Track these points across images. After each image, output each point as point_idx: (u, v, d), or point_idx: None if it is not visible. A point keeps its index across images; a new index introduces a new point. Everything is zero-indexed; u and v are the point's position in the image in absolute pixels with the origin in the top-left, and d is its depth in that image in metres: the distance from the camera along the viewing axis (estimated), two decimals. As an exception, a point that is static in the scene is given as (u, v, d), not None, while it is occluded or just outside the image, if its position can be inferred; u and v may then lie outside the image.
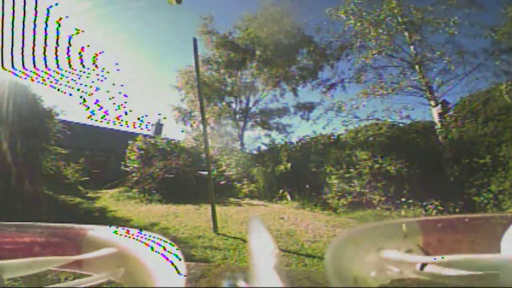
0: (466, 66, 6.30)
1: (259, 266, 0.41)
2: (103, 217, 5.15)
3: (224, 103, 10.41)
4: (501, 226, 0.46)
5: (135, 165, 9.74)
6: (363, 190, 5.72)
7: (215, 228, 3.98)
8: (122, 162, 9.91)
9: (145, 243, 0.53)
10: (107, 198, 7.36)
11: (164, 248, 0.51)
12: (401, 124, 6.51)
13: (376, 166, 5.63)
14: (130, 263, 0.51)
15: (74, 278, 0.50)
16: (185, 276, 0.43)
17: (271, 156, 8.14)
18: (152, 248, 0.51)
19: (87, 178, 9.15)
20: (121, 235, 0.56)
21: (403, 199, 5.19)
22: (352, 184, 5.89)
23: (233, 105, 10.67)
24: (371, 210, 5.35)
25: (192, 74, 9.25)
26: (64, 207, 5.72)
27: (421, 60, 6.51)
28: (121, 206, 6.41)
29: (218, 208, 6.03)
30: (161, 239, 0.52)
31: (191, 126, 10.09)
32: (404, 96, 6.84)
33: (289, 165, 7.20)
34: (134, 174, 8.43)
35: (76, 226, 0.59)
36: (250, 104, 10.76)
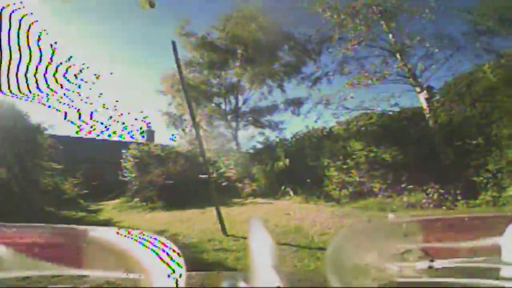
0: (446, 50, 6.46)
1: (259, 266, 0.41)
2: None
3: (213, 105, 10.29)
4: (501, 226, 0.45)
5: (133, 174, 9.54)
6: (362, 180, 5.84)
7: (223, 230, 3.96)
8: (119, 172, 9.68)
9: (145, 244, 0.51)
10: (110, 210, 7.21)
11: (165, 249, 0.50)
12: (390, 113, 6.65)
13: (372, 155, 5.78)
14: (130, 264, 0.50)
15: (74, 278, 0.49)
16: (185, 277, 0.43)
17: (268, 154, 8.16)
18: (152, 248, 0.50)
19: (86, 191, 8.86)
20: (121, 235, 0.53)
21: (403, 186, 5.32)
22: (351, 175, 5.97)
23: (223, 106, 10.56)
24: (373, 199, 5.49)
25: (177, 77, 9.09)
26: (68, 223, 5.50)
27: (401, 47, 6.63)
28: (124, 216, 6.29)
29: (223, 210, 6.00)
30: (161, 240, 0.51)
31: (183, 130, 9.93)
32: (390, 84, 6.95)
33: (287, 160, 7.24)
34: (133, 183, 8.25)
35: (77, 226, 0.55)
36: (240, 104, 10.73)
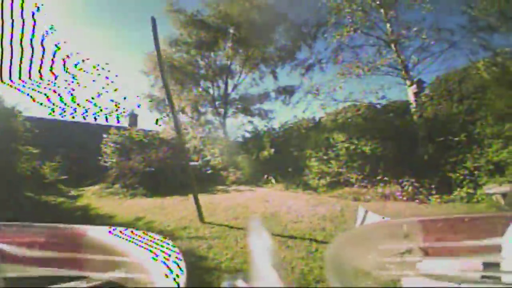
0: (443, 44, 6.49)
1: (259, 266, 0.42)
2: (85, 215, 5.14)
3: (200, 89, 10.09)
4: (501, 226, 0.46)
5: (113, 160, 9.48)
6: (340, 170, 6.09)
7: (200, 217, 4.10)
8: (100, 157, 9.59)
9: (145, 243, 0.54)
10: (90, 196, 7.26)
11: (164, 249, 0.52)
12: (378, 105, 6.77)
13: (352, 147, 6.00)
14: (130, 263, 0.52)
15: (74, 279, 0.51)
16: (185, 276, 0.44)
17: (255, 143, 8.28)
18: (152, 248, 0.52)
19: (66, 176, 8.77)
20: (121, 235, 0.56)
21: (379, 177, 5.55)
22: (330, 165, 6.19)
23: (211, 91, 10.37)
24: (349, 188, 5.80)
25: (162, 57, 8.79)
26: (47, 208, 5.64)
27: (397, 38, 6.62)
28: (104, 202, 6.37)
29: (205, 197, 6.20)
30: (161, 240, 0.53)
31: (167, 115, 9.77)
32: (381, 76, 6.98)
33: (272, 150, 7.39)
34: (114, 170, 8.23)
35: (76, 226, 0.59)
36: (229, 89, 10.55)
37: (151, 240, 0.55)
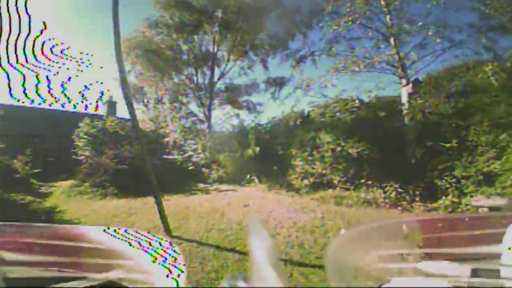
0: (444, 42, 6.11)
1: (259, 266, 0.42)
2: (50, 220, 4.71)
3: (182, 77, 9.45)
4: (501, 226, 0.47)
5: (86, 153, 8.93)
6: (324, 172, 5.99)
7: (167, 230, 3.80)
8: (73, 150, 9.01)
9: (145, 243, 0.54)
10: (59, 195, 6.78)
11: (164, 248, 0.53)
12: (367, 103, 6.53)
13: (338, 148, 5.86)
14: (130, 263, 0.53)
15: (73, 279, 0.51)
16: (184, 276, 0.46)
17: (240, 139, 7.94)
18: (152, 248, 0.53)
19: (39, 170, 8.16)
20: (121, 235, 0.57)
21: (362, 181, 5.44)
22: (314, 166, 6.05)
23: (195, 79, 9.75)
24: (332, 190, 5.74)
25: (137, 40, 8.01)
26: (13, 208, 5.22)
27: (397, 32, 6.26)
28: (72, 203, 6.03)
29: (182, 199, 5.93)
30: (162, 239, 0.54)
31: (145, 105, 9.17)
32: (377, 73, 6.67)
33: (257, 149, 7.12)
34: (84, 165, 7.72)
35: (76, 226, 0.88)
36: (215, 78, 9.97)
37: (151, 240, 0.56)
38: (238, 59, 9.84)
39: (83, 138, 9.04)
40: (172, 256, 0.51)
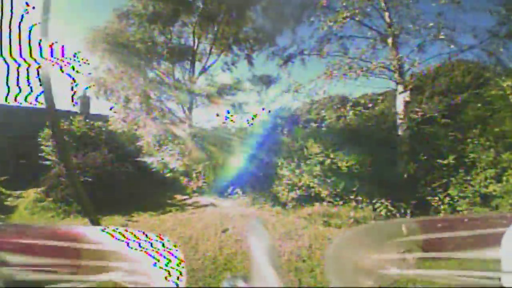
0: (453, 45, 5.53)
1: (259, 266, 0.44)
2: None
3: (158, 72, 8.59)
4: (501, 226, 0.48)
5: (54, 159, 8.04)
6: (312, 184, 5.68)
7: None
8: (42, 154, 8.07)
9: (145, 243, 0.55)
10: (22, 210, 5.99)
11: (164, 248, 0.54)
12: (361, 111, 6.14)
13: (327, 162, 5.53)
14: (130, 263, 0.53)
15: (73, 279, 0.52)
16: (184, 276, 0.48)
17: (223, 144, 7.35)
18: (152, 248, 0.53)
19: (6, 177, 7.23)
20: (121, 235, 0.57)
21: (352, 196, 5.16)
22: (302, 178, 5.73)
23: (172, 74, 8.90)
24: (319, 205, 5.42)
25: (105, 32, 7.07)
26: None
27: (398, 32, 5.73)
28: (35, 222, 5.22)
29: (149, 220, 5.30)
30: (162, 239, 0.55)
31: (115, 103, 8.28)
32: (372, 78, 6.17)
33: (242, 156, 6.57)
34: (48, 174, 6.88)
35: (76, 226, 0.96)
36: (196, 73, 9.15)
37: (151, 240, 0.56)
38: (221, 53, 9.07)
39: (48, 143, 8.12)
40: (172, 257, 0.52)
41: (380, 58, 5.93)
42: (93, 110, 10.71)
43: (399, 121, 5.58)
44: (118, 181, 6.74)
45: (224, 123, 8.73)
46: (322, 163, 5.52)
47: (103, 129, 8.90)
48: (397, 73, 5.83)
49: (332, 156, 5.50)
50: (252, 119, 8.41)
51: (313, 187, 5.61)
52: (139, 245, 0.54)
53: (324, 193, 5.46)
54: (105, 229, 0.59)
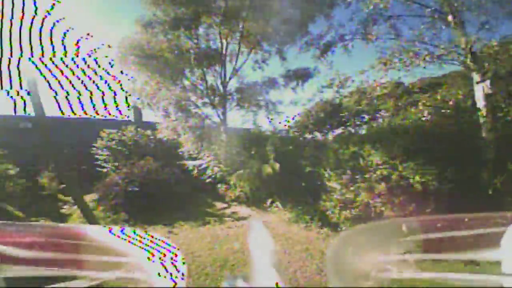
0: None
1: (259, 266, 0.45)
2: None
3: (188, 81, 8.40)
4: (501, 226, 0.49)
5: (109, 166, 8.76)
6: (372, 202, 4.51)
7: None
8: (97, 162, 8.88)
9: (145, 243, 0.55)
10: (76, 218, 6.58)
11: (164, 248, 0.54)
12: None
13: (394, 176, 4.21)
14: (129, 263, 0.54)
15: (73, 278, 0.51)
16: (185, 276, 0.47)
17: (258, 150, 6.86)
18: (152, 248, 0.54)
19: (64, 185, 8.18)
20: (121, 234, 0.57)
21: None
22: (359, 194, 4.65)
23: (204, 80, 8.60)
24: None
25: (133, 45, 7.00)
26: None
27: (460, 7, 4.27)
28: None
29: (191, 233, 5.12)
30: (162, 240, 0.56)
31: (154, 113, 8.44)
32: (438, 65, 4.76)
33: (277, 166, 5.97)
34: (102, 183, 7.44)
35: (76, 226, 0.87)
36: (228, 76, 8.71)
37: (151, 240, 0.56)
38: (250, 52, 8.40)
39: (103, 152, 8.83)
40: (172, 256, 0.51)
41: (443, 40, 4.53)
42: (145, 118, 11.29)
43: (481, 120, 4.24)
44: (163, 189, 6.91)
45: (259, 126, 8.24)
46: (386, 177, 4.27)
47: (152, 137, 9.34)
48: (468, 57, 4.33)
49: (400, 169, 4.17)
50: (289, 120, 7.72)
51: (374, 206, 4.45)
52: (139, 245, 0.54)
53: (388, 214, 4.28)
54: (105, 228, 0.60)
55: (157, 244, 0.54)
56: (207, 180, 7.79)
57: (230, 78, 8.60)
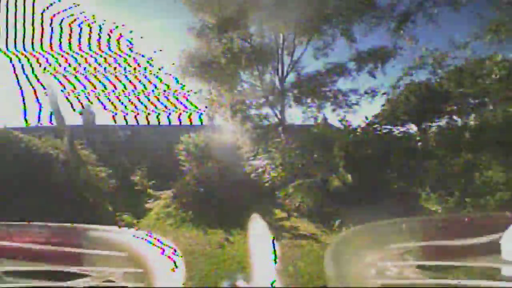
0: None
1: (259, 266, 0.45)
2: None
3: (243, 83, 7.81)
4: (501, 226, 0.47)
5: (186, 168, 9.32)
6: None
7: None
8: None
9: (145, 243, 0.56)
10: (153, 214, 7.24)
11: (164, 248, 0.55)
12: None
13: None
14: (130, 262, 0.54)
15: (76, 276, 0.53)
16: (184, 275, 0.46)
17: (323, 154, 5.55)
18: (152, 248, 0.55)
19: (153, 181, 9.48)
20: (121, 234, 0.61)
21: None
22: None
23: (260, 78, 7.84)
24: None
25: (189, 55, 6.96)
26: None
27: None
28: (153, 229, 6.09)
29: (242, 244, 4.60)
30: (161, 239, 0.57)
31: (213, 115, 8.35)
32: None
33: (349, 177, 4.55)
34: (179, 182, 7.88)
35: (76, 226, 0.64)
36: (285, 70, 7.63)
37: (152, 240, 0.56)
38: (309, 40, 7.04)
39: (183, 154, 9.62)
40: (173, 256, 0.51)
41: None
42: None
43: None
44: (225, 192, 6.77)
45: (324, 124, 6.81)
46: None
47: (217, 140, 9.53)
48: None
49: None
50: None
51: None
52: (139, 245, 0.55)
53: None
54: (105, 228, 0.62)
55: (157, 244, 0.53)
56: (266, 184, 7.12)
57: (287, 73, 7.54)
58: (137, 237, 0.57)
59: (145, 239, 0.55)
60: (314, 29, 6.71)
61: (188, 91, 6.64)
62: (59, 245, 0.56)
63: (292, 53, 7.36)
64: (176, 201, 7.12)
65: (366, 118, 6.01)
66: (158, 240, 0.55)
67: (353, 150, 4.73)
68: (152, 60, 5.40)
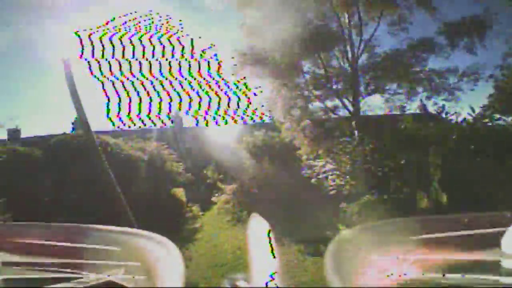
0: None
1: (259, 266, 0.43)
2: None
3: (306, 76, 6.78)
4: (501, 226, 0.47)
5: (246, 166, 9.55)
6: None
7: None
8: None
9: (145, 243, 0.54)
10: (214, 209, 7.62)
11: (165, 249, 0.52)
12: None
13: None
14: (130, 263, 0.52)
15: (74, 278, 0.50)
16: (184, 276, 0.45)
17: (410, 159, 3.91)
18: (152, 248, 0.52)
19: (221, 176, 10.38)
20: (121, 234, 0.57)
21: None
22: None
23: (333, 63, 6.66)
24: None
25: (244, 54, 6.64)
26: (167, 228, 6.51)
27: None
28: (209, 226, 6.26)
29: (289, 260, 3.93)
30: (162, 240, 0.53)
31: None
32: None
33: (444, 197, 2.92)
34: (236, 181, 8.14)
35: (77, 225, 0.62)
36: (357, 53, 6.07)
37: (151, 240, 0.54)
38: (380, 15, 5.25)
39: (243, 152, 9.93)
40: (172, 257, 0.49)
41: None
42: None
43: None
44: (278, 195, 6.32)
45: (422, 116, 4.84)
46: None
47: (276, 139, 9.18)
48: None
49: None
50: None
51: None
52: (139, 245, 0.53)
53: None
54: (105, 228, 0.60)
55: (156, 243, 0.52)
56: (331, 192, 6.01)
57: (359, 56, 6.06)
58: (137, 237, 0.55)
59: (145, 239, 0.54)
60: (386, 3, 4.98)
61: (249, 89, 6.65)
62: (59, 245, 0.56)
63: (360, 35, 5.82)
64: (234, 199, 7.26)
65: (472, 109, 3.89)
66: (158, 240, 0.52)
67: (455, 155, 3.03)
68: (221, 61, 5.71)
